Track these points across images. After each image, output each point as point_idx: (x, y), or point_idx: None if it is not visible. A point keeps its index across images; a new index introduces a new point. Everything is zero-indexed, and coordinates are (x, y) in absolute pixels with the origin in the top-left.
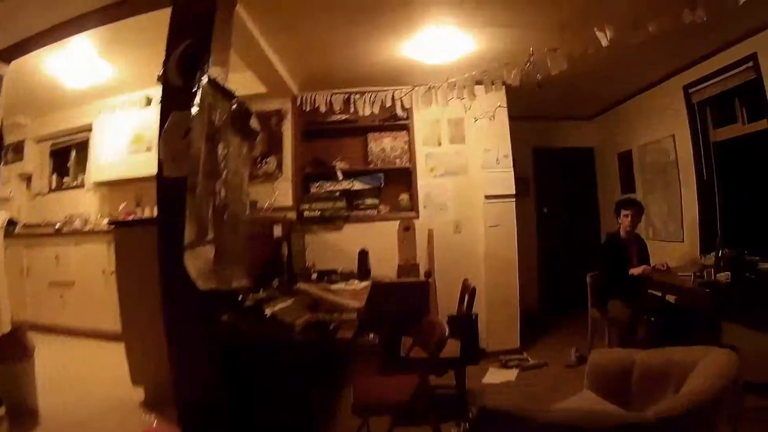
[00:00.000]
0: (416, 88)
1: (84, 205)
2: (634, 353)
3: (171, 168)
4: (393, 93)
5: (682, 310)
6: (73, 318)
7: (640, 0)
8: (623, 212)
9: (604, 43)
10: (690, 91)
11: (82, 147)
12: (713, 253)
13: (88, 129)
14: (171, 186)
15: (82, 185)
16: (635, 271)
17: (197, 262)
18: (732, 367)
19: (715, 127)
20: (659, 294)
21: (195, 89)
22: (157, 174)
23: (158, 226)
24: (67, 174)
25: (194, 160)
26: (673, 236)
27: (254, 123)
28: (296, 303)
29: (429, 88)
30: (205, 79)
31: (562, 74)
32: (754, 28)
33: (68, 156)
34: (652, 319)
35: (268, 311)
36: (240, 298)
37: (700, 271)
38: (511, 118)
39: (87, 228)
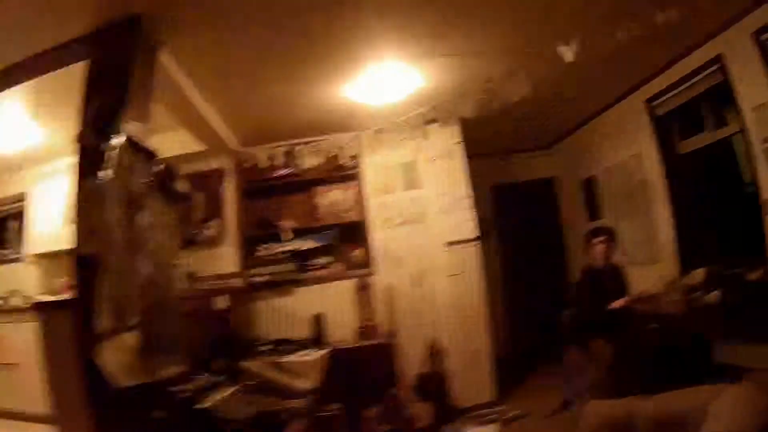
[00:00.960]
0: (362, 133)
1: (25, 279)
2: (634, 404)
3: (88, 243)
4: (337, 141)
5: (673, 338)
6: (14, 400)
7: (601, 8)
8: (594, 241)
9: (569, 58)
10: (653, 104)
11: (19, 217)
12: (695, 272)
13: (22, 199)
14: (90, 263)
15: (22, 258)
16: (616, 304)
17: (116, 354)
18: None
19: (681, 139)
20: (649, 325)
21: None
22: (74, 250)
23: (75, 311)
24: (5, 246)
25: (108, 232)
26: (649, 259)
27: (183, 185)
28: (241, 389)
29: (376, 131)
30: (120, 139)
31: (516, 103)
32: (713, 30)
33: (6, 227)
34: (641, 356)
35: (207, 403)
36: (173, 390)
37: (686, 294)
38: (467, 156)
39: (27, 304)
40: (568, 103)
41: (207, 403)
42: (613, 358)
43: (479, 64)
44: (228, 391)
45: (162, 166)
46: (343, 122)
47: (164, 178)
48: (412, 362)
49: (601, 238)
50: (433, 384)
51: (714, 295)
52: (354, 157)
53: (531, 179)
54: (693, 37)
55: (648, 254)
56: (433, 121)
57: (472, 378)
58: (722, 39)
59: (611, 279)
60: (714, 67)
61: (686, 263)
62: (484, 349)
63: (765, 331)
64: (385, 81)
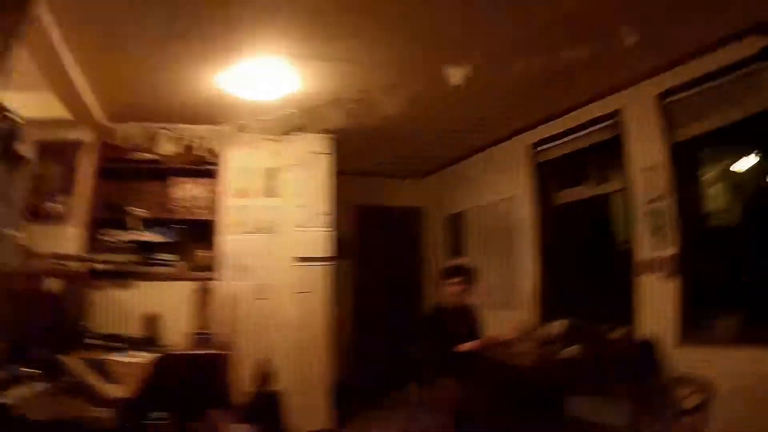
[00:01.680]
0: (225, 127)
1: None
2: None
3: None
4: (197, 131)
5: (525, 387)
6: None
7: (500, 42)
8: (449, 281)
9: (455, 81)
10: (536, 150)
11: None
12: (556, 323)
13: None
14: None
15: None
16: (464, 347)
17: None
18: None
19: (559, 189)
20: (501, 370)
21: None
22: None
23: None
24: None
25: None
26: (510, 304)
27: (26, 149)
28: (51, 388)
29: (239, 127)
30: None
31: (394, 125)
32: (615, 85)
33: None
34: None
35: (7, 399)
36: None
37: (545, 344)
38: (336, 173)
39: None
40: (448, 137)
41: (6, 399)
42: (459, 401)
43: (358, 74)
44: (35, 388)
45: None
46: (215, 114)
47: (5, 137)
48: (246, 378)
49: (457, 279)
50: (265, 405)
51: (573, 350)
52: (214, 153)
53: (400, 206)
54: (593, 88)
55: (509, 299)
56: (303, 128)
57: (308, 403)
58: (624, 96)
59: (460, 319)
60: (608, 122)
61: (547, 313)
62: (324, 373)
63: (618, 388)
64: (262, 76)
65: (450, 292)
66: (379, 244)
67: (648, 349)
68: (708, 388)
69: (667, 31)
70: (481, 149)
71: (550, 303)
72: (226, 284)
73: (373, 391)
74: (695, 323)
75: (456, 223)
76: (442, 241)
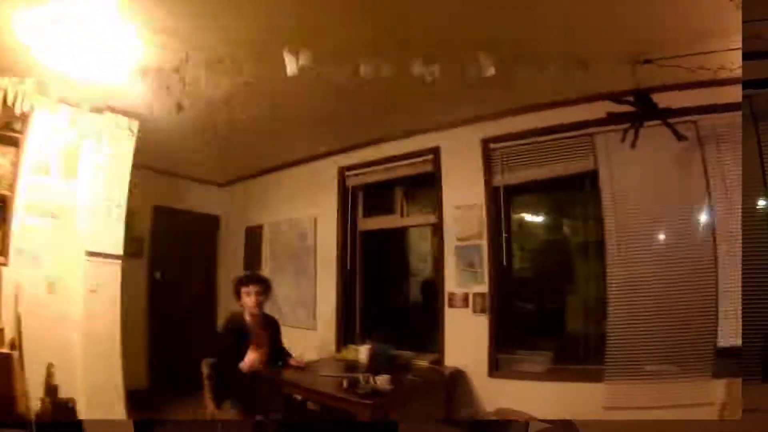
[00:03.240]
0: (31, 80)
1: None
2: None
3: None
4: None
5: (324, 417)
6: None
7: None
8: (245, 290)
9: (291, 70)
10: (346, 173)
11: None
12: (360, 347)
13: None
14: None
15: None
16: (245, 365)
17: None
18: None
19: (366, 215)
20: (297, 397)
21: None
22: None
23: None
24: None
25: None
26: (303, 324)
27: None
28: None
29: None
30: None
31: (206, 118)
32: (440, 123)
33: None
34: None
35: None
36: None
37: (347, 370)
38: (137, 165)
39: None
40: (258, 146)
41: None
42: (246, 422)
43: (176, 46)
44: None
45: None
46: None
47: None
48: (37, 379)
49: (254, 288)
50: (56, 410)
51: (383, 379)
52: (23, 116)
53: (199, 212)
54: (416, 121)
55: (306, 320)
56: (106, 104)
57: (97, 408)
58: (447, 135)
59: (262, 334)
60: (426, 158)
61: (345, 336)
62: (115, 376)
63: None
64: (68, 37)
65: (246, 303)
66: (174, 247)
67: (458, 379)
68: (524, 421)
69: (513, 78)
70: (291, 165)
71: (352, 327)
72: (14, 273)
73: (170, 396)
74: (507, 358)
75: (255, 237)
76: (238, 252)
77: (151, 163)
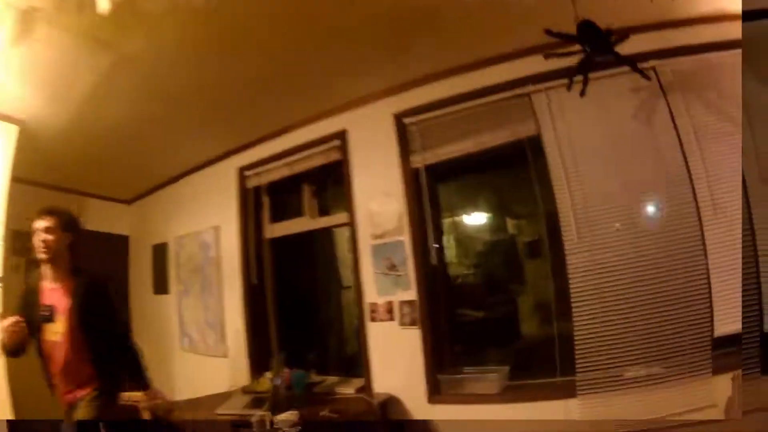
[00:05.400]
0: None
1: None
2: None
3: None
4: None
5: None
6: None
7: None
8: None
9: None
10: (246, 174)
11: None
12: (270, 375)
13: None
14: None
15: None
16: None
17: None
18: None
19: (273, 221)
20: None
21: None
22: None
23: None
24: None
25: None
26: (214, 350)
27: None
28: None
29: None
30: None
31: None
32: (346, 103)
33: None
34: None
35: None
36: None
37: (256, 406)
38: (19, 180)
39: None
40: (158, 154)
41: None
42: None
43: None
44: None
45: None
46: None
47: None
48: None
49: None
50: None
51: (287, 418)
52: None
53: (106, 231)
54: (318, 104)
55: (215, 346)
56: None
57: None
58: (355, 114)
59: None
60: (333, 144)
61: (259, 363)
62: None
63: None
64: None
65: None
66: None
67: (391, 408)
68: None
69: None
70: (191, 171)
71: (262, 350)
72: None
73: None
74: (449, 379)
75: (160, 255)
76: (147, 274)
77: (44, 179)
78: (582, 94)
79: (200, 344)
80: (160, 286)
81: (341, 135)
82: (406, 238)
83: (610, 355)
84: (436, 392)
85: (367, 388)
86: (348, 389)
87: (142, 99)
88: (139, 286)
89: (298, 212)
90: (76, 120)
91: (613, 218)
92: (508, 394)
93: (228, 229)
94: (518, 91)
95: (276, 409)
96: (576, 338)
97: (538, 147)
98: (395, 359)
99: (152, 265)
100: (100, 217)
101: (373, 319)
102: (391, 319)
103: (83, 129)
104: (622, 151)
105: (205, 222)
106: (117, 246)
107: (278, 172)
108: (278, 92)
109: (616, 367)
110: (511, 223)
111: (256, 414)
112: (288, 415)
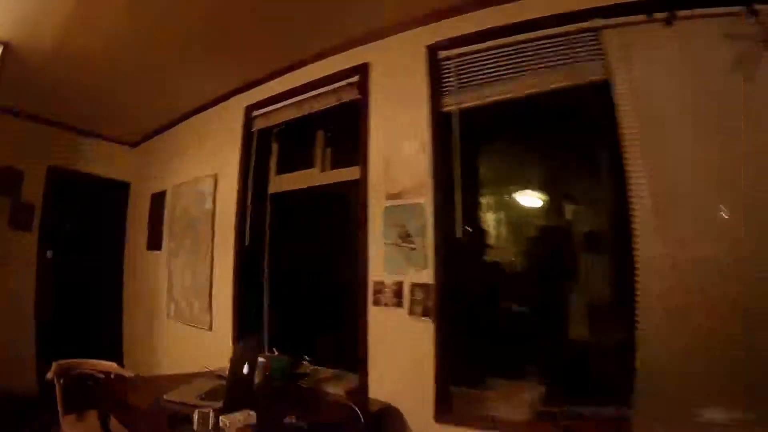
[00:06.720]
0: None
1: None
2: None
3: None
4: None
5: None
6: None
7: None
8: None
9: None
10: (253, 114)
11: None
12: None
13: None
14: None
15: None
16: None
17: None
18: None
19: (279, 172)
20: None
21: None
22: None
23: None
24: None
25: None
26: (199, 321)
27: None
28: None
29: None
30: None
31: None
32: (360, 35)
33: None
34: None
35: None
36: None
37: (208, 396)
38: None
39: None
40: (165, 94)
41: None
42: None
43: None
44: None
45: None
46: None
47: None
48: None
49: None
50: None
51: (237, 421)
52: None
53: (105, 176)
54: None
55: (201, 317)
56: None
57: None
58: (377, 46)
59: None
60: (352, 79)
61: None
62: None
63: None
64: None
65: None
66: (76, 219)
67: (385, 422)
68: None
69: None
70: (195, 111)
71: (253, 328)
72: None
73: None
74: (465, 393)
75: (158, 205)
76: (143, 226)
77: (41, 111)
78: (668, 22)
79: (186, 312)
80: (154, 240)
81: (363, 68)
82: (427, 200)
83: (681, 385)
84: (446, 408)
85: (360, 391)
86: (337, 389)
87: (133, 22)
88: (136, 241)
89: (308, 164)
90: (60, 44)
91: (707, 203)
92: (540, 423)
93: (225, 178)
94: (583, 24)
95: (231, 406)
96: (637, 358)
97: (606, 101)
98: (399, 358)
99: (149, 217)
100: (102, 161)
101: (376, 302)
102: (399, 304)
103: (70, 55)
104: (716, 113)
105: (203, 168)
106: (116, 193)
107: (289, 112)
108: (289, 19)
109: (688, 404)
110: (568, 209)
111: (200, 410)
112: (240, 416)
